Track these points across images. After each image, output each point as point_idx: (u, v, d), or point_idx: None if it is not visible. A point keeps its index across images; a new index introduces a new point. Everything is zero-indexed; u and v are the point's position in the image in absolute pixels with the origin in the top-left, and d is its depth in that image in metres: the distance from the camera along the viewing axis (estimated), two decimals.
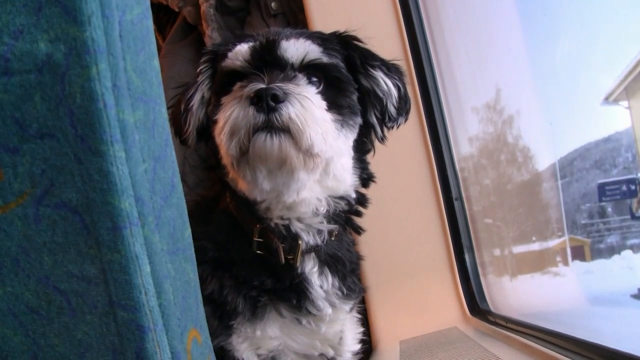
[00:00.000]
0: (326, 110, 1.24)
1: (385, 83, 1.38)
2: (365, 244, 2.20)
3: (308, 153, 1.18)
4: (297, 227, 1.31)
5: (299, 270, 1.31)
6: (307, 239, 1.31)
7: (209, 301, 1.24)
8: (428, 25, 2.40)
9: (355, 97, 1.35)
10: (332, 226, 1.35)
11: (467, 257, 2.27)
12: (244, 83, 1.22)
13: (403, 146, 2.15)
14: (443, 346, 1.82)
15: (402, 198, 2.27)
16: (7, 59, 0.64)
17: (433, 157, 2.26)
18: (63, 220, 0.68)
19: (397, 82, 1.40)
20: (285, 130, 1.15)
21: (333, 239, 1.36)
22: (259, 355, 1.30)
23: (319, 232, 1.33)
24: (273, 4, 2.51)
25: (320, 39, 1.34)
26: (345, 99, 1.32)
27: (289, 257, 1.29)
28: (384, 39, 2.29)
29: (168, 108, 1.27)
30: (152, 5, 0.81)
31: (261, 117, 1.14)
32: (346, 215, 1.39)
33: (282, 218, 1.31)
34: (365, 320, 2.20)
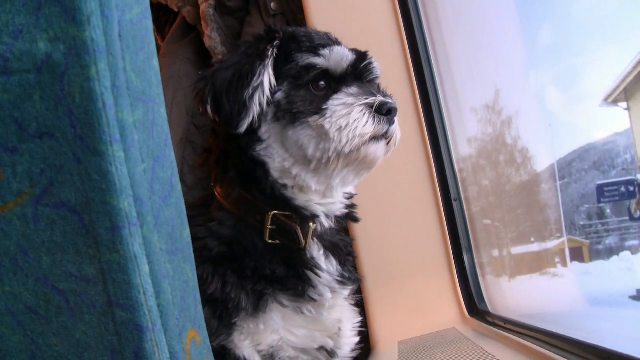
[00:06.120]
0: None
1: None
2: (364, 245, 2.20)
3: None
4: (318, 209, 1.39)
5: (309, 256, 1.37)
6: (324, 221, 1.40)
7: (209, 301, 1.26)
8: (427, 26, 2.40)
9: None
10: (345, 211, 1.45)
11: (465, 258, 2.27)
12: (352, 90, 1.35)
13: (402, 147, 2.14)
14: (441, 347, 1.82)
15: (401, 199, 2.28)
16: (7, 58, 0.64)
17: (432, 158, 2.26)
18: (62, 220, 0.68)
19: None
20: (385, 138, 1.36)
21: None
22: (259, 352, 1.31)
23: (331, 216, 1.42)
24: (272, 4, 2.51)
25: None
26: None
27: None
28: (383, 39, 2.29)
29: (198, 84, 1.35)
30: (152, 5, 0.81)
31: (385, 128, 1.33)
32: (348, 206, 1.48)
33: (307, 201, 1.38)
34: (364, 321, 2.20)
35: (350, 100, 1.32)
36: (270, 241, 1.33)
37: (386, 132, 1.34)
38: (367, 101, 1.32)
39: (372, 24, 2.31)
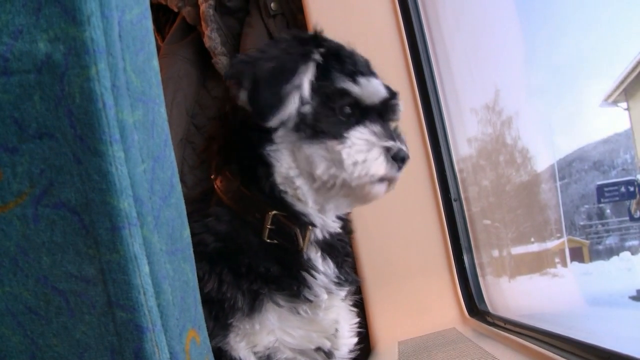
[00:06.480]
0: None
1: None
2: (364, 245, 2.20)
3: None
4: (317, 220, 1.39)
5: (306, 257, 1.36)
6: (318, 233, 1.40)
7: (205, 301, 1.25)
8: (427, 27, 2.40)
9: None
10: (339, 230, 1.45)
11: (465, 258, 2.27)
12: (376, 128, 1.36)
13: None
14: (441, 347, 1.82)
15: (401, 199, 2.27)
16: (7, 58, 0.64)
17: (432, 158, 2.26)
18: (62, 220, 0.68)
19: None
20: (389, 181, 1.39)
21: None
22: (255, 353, 1.30)
23: (326, 230, 1.42)
24: (272, 5, 2.51)
25: None
26: None
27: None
28: (384, 41, 2.29)
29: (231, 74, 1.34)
30: (152, 5, 0.81)
31: (394, 174, 1.37)
32: (343, 220, 1.49)
33: (306, 210, 1.38)
34: (363, 321, 2.19)
35: (373, 138, 1.34)
36: (268, 240, 1.33)
37: (393, 177, 1.38)
38: (387, 144, 1.34)
39: (372, 24, 2.31)
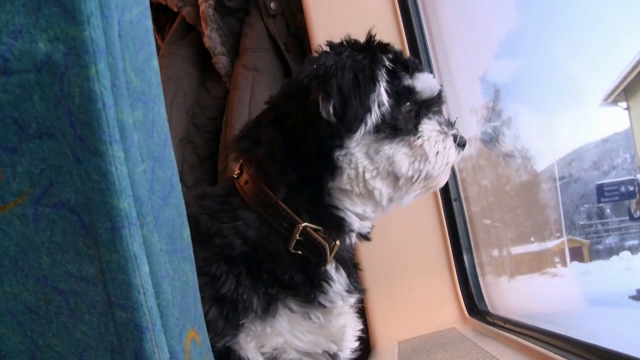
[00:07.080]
0: None
1: None
2: (364, 245, 2.20)
3: None
4: (357, 224, 1.42)
5: (322, 269, 1.38)
6: (353, 238, 1.46)
7: (218, 301, 1.26)
8: (427, 26, 2.41)
9: None
10: (369, 230, 1.51)
11: (465, 257, 2.27)
12: (442, 119, 1.45)
13: None
14: (441, 347, 1.82)
15: None
16: (6, 58, 0.64)
17: None
18: (62, 220, 0.68)
19: None
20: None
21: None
22: (262, 354, 1.31)
23: (361, 233, 1.48)
24: (272, 5, 2.51)
25: None
26: None
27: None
28: (383, 40, 2.29)
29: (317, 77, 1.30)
30: (151, 5, 0.81)
31: (458, 159, 1.47)
32: None
33: (356, 214, 1.41)
34: (363, 321, 2.20)
35: (443, 128, 1.42)
36: (293, 250, 1.33)
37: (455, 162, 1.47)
38: (453, 132, 1.43)
39: (372, 24, 2.30)
